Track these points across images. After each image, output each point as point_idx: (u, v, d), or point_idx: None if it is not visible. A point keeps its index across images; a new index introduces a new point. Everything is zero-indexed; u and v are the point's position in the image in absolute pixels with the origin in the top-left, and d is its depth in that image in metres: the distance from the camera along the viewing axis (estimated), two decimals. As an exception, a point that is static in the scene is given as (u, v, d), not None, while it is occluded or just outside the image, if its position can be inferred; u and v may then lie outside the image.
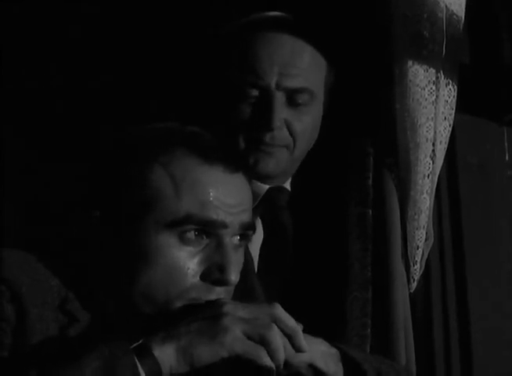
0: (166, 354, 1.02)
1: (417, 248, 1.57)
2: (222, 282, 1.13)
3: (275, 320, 1.07)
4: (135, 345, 1.03)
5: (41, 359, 1.06)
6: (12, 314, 1.10)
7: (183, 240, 1.12)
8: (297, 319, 1.27)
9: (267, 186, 1.56)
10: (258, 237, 1.55)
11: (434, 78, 1.52)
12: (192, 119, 1.26)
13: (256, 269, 1.53)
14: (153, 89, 1.89)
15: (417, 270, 1.58)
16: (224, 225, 1.13)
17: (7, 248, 1.16)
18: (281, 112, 1.49)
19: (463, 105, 1.59)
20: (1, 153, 1.79)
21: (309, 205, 1.60)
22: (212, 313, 1.06)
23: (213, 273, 1.13)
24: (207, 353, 1.03)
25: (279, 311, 1.09)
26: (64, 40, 1.94)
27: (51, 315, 1.12)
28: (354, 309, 1.53)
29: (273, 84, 1.49)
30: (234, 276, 1.13)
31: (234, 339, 1.04)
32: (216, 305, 1.08)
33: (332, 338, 1.21)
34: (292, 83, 1.50)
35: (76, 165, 1.69)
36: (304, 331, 1.11)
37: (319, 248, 1.57)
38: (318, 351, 1.15)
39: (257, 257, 1.54)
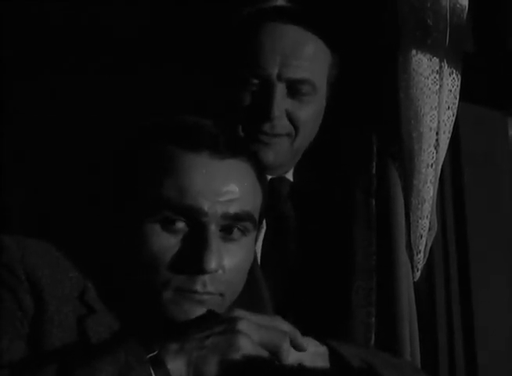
0: (177, 367, 1.03)
1: (421, 237, 1.57)
2: (198, 270, 1.10)
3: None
4: (150, 355, 1.03)
5: (59, 355, 1.07)
6: (30, 305, 1.10)
7: (164, 228, 1.11)
8: (303, 309, 1.28)
9: (269, 177, 1.56)
10: (261, 229, 1.54)
11: (437, 67, 1.52)
12: (194, 109, 1.26)
13: (259, 261, 1.53)
14: (155, 81, 1.89)
15: (421, 259, 1.58)
16: (202, 213, 1.10)
17: (29, 238, 1.15)
18: (281, 103, 1.49)
19: (467, 94, 1.59)
20: (22, 144, 1.80)
21: (312, 195, 1.60)
22: (227, 329, 1.06)
23: (190, 261, 1.10)
24: (216, 369, 1.04)
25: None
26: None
27: (69, 306, 1.12)
28: (358, 298, 1.53)
29: (274, 75, 1.49)
30: (213, 265, 1.09)
31: (244, 356, 1.04)
32: (231, 320, 1.07)
33: (337, 327, 1.21)
34: (294, 74, 1.49)
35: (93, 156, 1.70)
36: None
37: (323, 238, 1.57)
38: (306, 351, 1.14)
39: (260, 248, 1.54)
